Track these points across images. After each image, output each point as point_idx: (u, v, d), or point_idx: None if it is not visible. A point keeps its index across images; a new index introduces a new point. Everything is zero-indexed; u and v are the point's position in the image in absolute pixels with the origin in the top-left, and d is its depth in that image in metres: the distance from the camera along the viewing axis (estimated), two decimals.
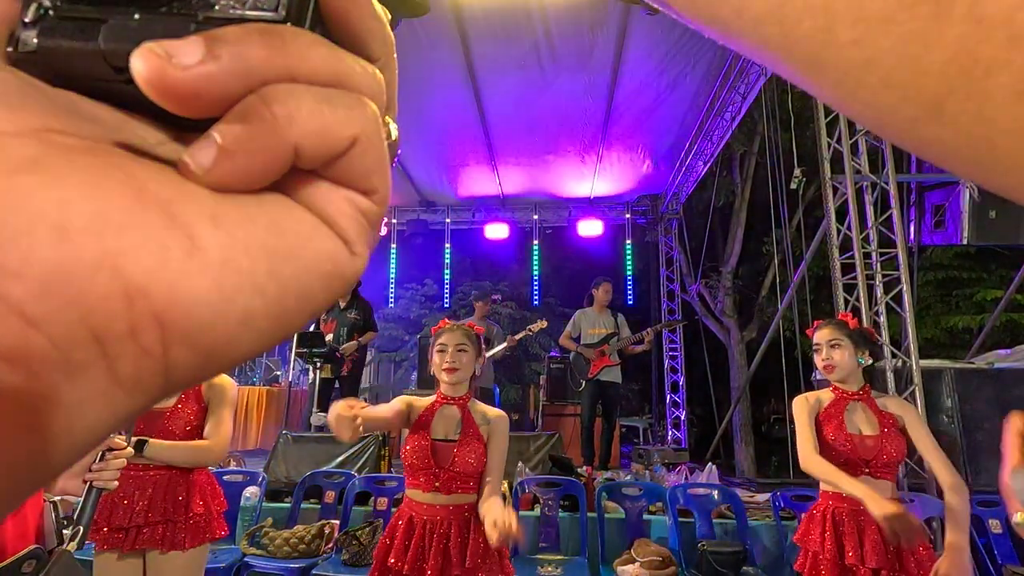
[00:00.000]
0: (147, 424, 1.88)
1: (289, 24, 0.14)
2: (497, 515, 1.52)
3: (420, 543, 1.68)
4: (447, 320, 1.97)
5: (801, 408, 1.92)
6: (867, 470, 1.80)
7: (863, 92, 0.15)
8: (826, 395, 1.92)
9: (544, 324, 5.12)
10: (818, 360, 1.90)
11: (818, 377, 2.01)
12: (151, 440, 1.81)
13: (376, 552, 1.75)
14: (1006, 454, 1.54)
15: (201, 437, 1.95)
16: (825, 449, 1.84)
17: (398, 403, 1.82)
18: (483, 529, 1.66)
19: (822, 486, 1.89)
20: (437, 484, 1.72)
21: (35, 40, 0.14)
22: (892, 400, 1.92)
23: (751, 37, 0.16)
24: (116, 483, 1.14)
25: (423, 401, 1.86)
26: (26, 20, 0.14)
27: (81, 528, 1.05)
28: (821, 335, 1.91)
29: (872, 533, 1.74)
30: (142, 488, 1.85)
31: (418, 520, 1.72)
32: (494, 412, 1.86)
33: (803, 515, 1.96)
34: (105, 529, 1.82)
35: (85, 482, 1.11)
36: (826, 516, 1.83)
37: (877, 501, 1.64)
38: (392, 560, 1.67)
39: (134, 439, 1.79)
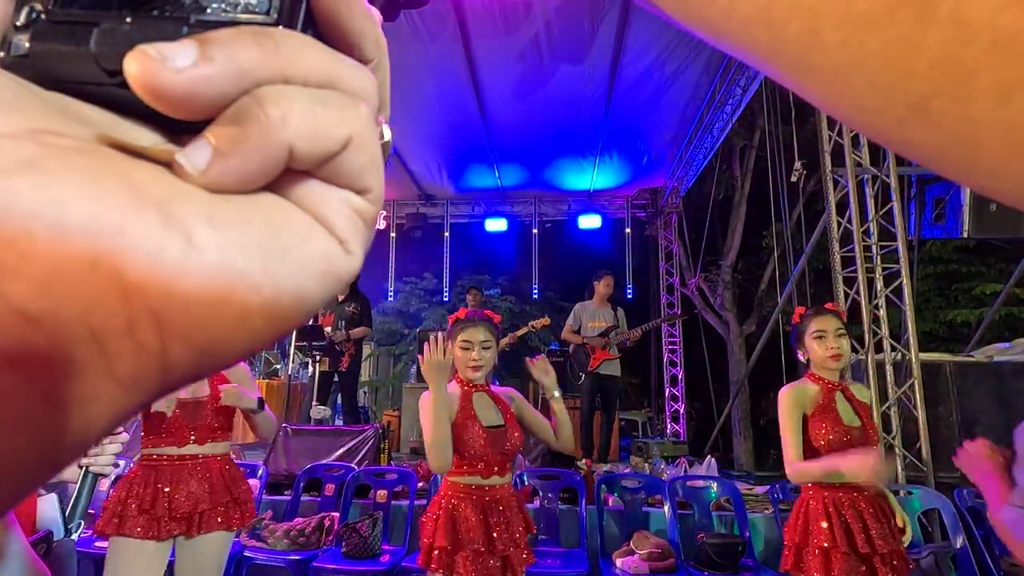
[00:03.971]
0: (190, 416, 1.99)
1: (281, 26, 0.14)
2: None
3: (487, 521, 1.73)
4: (464, 308, 1.99)
5: (792, 406, 1.86)
6: None
7: (849, 93, 0.15)
8: (811, 387, 1.88)
9: (547, 321, 5.12)
10: (821, 348, 1.85)
11: (803, 360, 1.99)
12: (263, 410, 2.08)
13: (430, 535, 1.74)
14: (987, 488, 1.33)
15: (231, 418, 2.12)
16: (826, 443, 1.82)
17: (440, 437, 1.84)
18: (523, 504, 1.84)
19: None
20: (496, 469, 1.79)
21: (27, 44, 0.14)
22: (858, 388, 1.94)
23: (739, 39, 0.16)
24: (111, 468, 1.15)
25: (452, 393, 1.87)
26: (18, 24, 0.14)
27: (78, 514, 1.06)
28: (826, 323, 1.87)
29: (870, 517, 1.75)
30: (200, 475, 1.96)
31: (479, 503, 1.76)
32: (511, 391, 1.98)
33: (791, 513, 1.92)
34: (163, 518, 1.88)
35: (81, 467, 1.12)
36: (827, 508, 1.79)
37: (863, 465, 1.68)
38: (464, 536, 1.69)
39: (256, 398, 2.03)
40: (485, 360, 1.84)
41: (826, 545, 1.75)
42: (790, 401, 1.87)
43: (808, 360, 1.92)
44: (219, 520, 1.95)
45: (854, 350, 3.61)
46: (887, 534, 1.73)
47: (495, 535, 1.70)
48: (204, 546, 1.94)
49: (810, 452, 1.84)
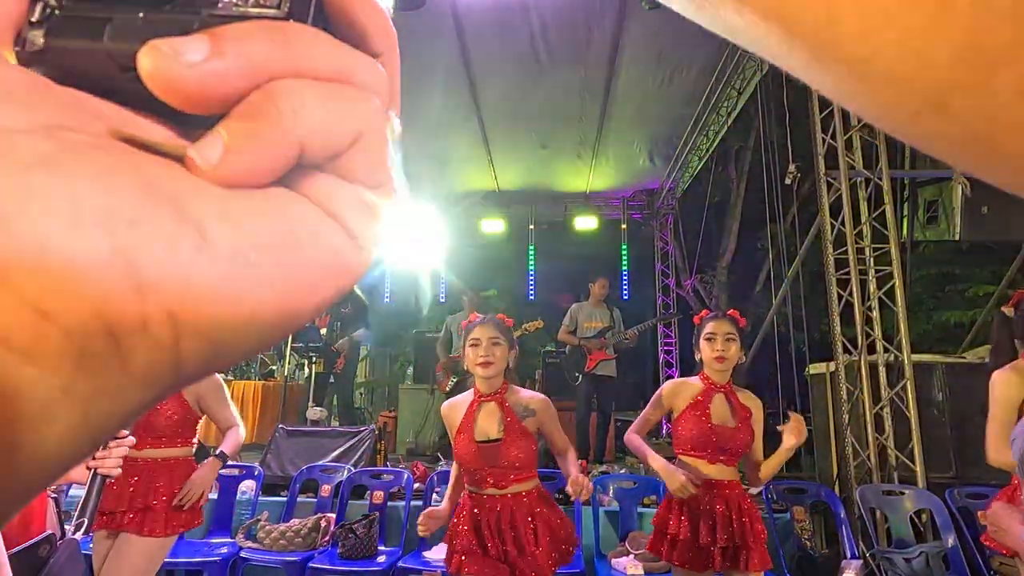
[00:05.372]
0: (140, 421, 1.97)
1: (292, 20, 0.15)
2: (575, 475, 1.75)
3: (491, 531, 1.73)
4: (476, 313, 1.98)
5: (664, 395, 2.02)
6: (723, 457, 1.93)
7: (866, 87, 0.14)
8: (694, 384, 2.01)
9: (540, 324, 5.13)
10: (710, 349, 1.97)
11: (698, 359, 2.09)
12: (229, 452, 2.07)
13: (452, 538, 1.80)
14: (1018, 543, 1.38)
15: (184, 429, 2.11)
16: (690, 437, 1.95)
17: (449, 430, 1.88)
18: (546, 511, 1.79)
19: None
20: (491, 481, 1.76)
21: (42, 39, 0.14)
22: (745, 394, 2.02)
23: (752, 32, 0.15)
24: (119, 470, 1.17)
25: (461, 405, 1.86)
26: (33, 19, 0.14)
27: (87, 515, 1.07)
28: (718, 327, 1.99)
29: (721, 514, 1.86)
30: (128, 475, 1.96)
31: (482, 514, 1.76)
32: (536, 400, 1.88)
33: (663, 501, 2.07)
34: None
35: (89, 469, 1.13)
36: (680, 503, 1.93)
37: (670, 476, 1.85)
38: (473, 543, 1.73)
39: (219, 450, 2.06)
40: (495, 357, 1.79)
41: (671, 534, 1.90)
42: (665, 391, 2.04)
43: (700, 360, 2.04)
44: (136, 521, 1.95)
45: (847, 351, 3.63)
46: (732, 529, 1.85)
47: (489, 544, 1.70)
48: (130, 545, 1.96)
49: (677, 442, 2.00)
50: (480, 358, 1.78)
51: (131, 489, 1.95)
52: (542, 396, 1.90)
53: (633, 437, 2.01)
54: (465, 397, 1.87)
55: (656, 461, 1.90)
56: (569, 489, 1.73)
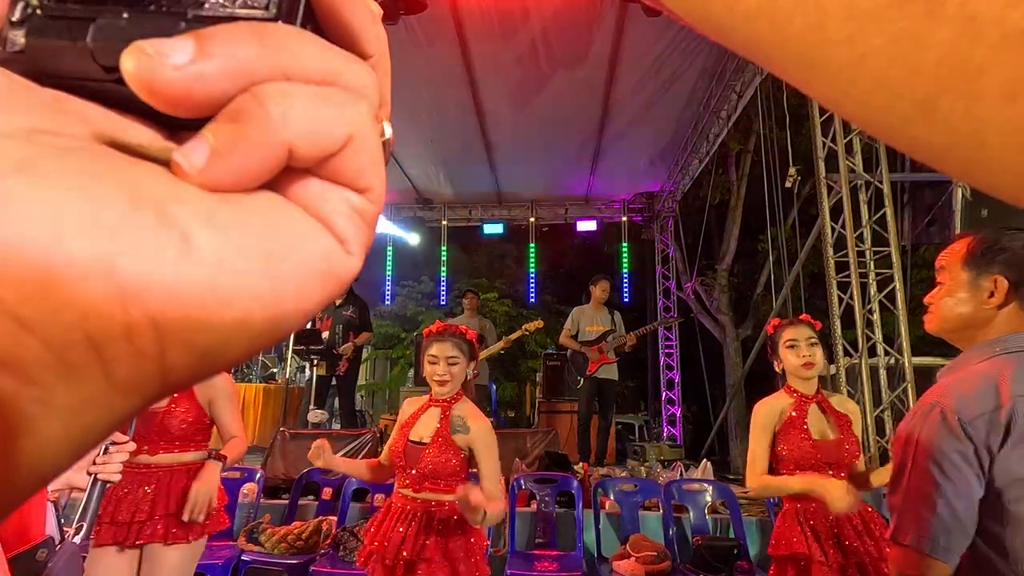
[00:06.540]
0: (143, 425, 1.95)
1: (280, 22, 0.14)
2: (470, 490, 1.55)
3: (397, 528, 1.77)
4: (440, 322, 1.97)
5: (762, 421, 1.86)
6: (831, 472, 1.78)
7: (855, 91, 0.14)
8: (784, 400, 1.87)
9: (540, 324, 5.13)
10: (795, 356, 1.84)
11: (779, 371, 1.97)
12: (228, 457, 2.02)
13: (364, 533, 1.85)
14: None
15: (198, 433, 2.05)
16: (793, 457, 1.80)
17: (390, 442, 1.93)
18: (454, 525, 1.78)
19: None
20: (407, 481, 1.82)
21: (23, 39, 0.14)
22: (841, 399, 1.91)
23: (742, 34, 0.15)
24: (119, 476, 1.17)
25: (416, 403, 1.93)
26: (14, 19, 0.14)
27: (87, 520, 1.07)
28: (799, 332, 1.87)
29: (848, 532, 1.72)
30: (144, 484, 1.93)
31: (397, 508, 1.82)
32: (476, 420, 1.84)
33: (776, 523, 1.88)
34: (107, 523, 1.88)
35: (90, 475, 1.13)
36: (799, 518, 1.78)
37: (830, 492, 1.62)
38: (376, 543, 1.76)
39: (218, 451, 2.00)
40: (451, 375, 1.83)
41: (797, 553, 1.72)
42: (760, 416, 1.87)
43: (783, 371, 1.91)
44: (160, 531, 1.89)
45: (848, 354, 3.63)
46: (861, 539, 1.70)
47: (405, 550, 1.71)
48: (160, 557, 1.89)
49: (778, 466, 1.83)
50: (436, 376, 1.84)
51: (150, 497, 1.91)
52: (487, 422, 1.87)
53: (759, 482, 1.81)
54: (423, 397, 1.93)
55: (797, 481, 1.74)
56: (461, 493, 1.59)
